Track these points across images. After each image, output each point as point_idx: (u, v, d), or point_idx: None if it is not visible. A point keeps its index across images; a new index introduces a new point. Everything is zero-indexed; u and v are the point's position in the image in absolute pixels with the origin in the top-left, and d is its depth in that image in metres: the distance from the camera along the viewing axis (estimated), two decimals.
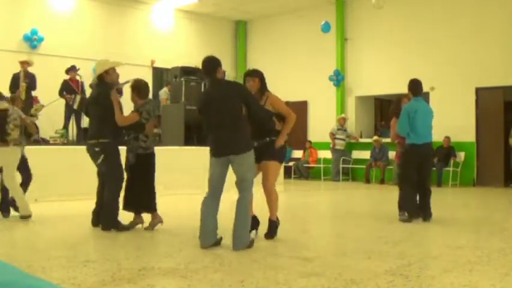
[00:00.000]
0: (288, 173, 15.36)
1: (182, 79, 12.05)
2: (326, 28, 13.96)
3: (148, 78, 15.00)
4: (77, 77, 11.90)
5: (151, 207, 6.40)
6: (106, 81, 6.48)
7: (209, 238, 5.14)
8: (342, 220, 7.88)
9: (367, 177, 14.66)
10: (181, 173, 10.53)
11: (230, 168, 5.25)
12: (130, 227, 6.34)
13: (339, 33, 15.82)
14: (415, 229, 6.63)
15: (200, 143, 10.40)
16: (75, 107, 11.50)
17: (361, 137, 15.80)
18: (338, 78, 15.74)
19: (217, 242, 5.21)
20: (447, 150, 13.50)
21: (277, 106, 5.67)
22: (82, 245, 5.66)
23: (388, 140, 10.98)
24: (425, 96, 11.10)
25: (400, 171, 7.61)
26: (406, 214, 7.23)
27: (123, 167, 6.41)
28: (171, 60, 14.72)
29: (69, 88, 11.75)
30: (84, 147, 6.57)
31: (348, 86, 15.97)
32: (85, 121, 9.24)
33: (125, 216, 6.40)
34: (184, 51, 16.24)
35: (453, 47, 13.75)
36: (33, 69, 11.64)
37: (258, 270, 4.35)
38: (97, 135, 6.37)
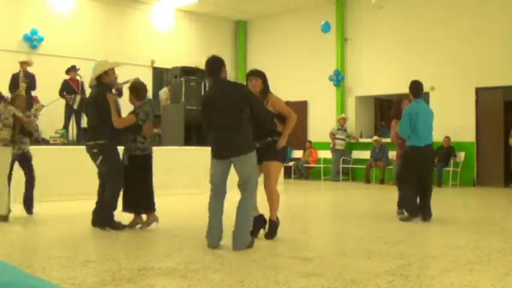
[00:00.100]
0: (288, 173, 15.36)
1: (182, 79, 12.05)
2: (326, 28, 13.95)
3: (148, 78, 15.02)
4: (77, 77, 11.90)
5: (150, 208, 6.40)
6: (104, 82, 6.48)
7: (216, 237, 5.15)
8: (342, 220, 7.88)
9: (367, 177, 14.66)
10: (181, 173, 10.53)
11: (232, 168, 5.25)
12: (127, 226, 6.34)
13: (339, 33, 15.82)
14: (415, 229, 6.64)
15: (200, 143, 10.40)
16: (75, 107, 11.50)
17: (361, 137, 15.81)
18: (338, 78, 15.74)
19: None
20: (447, 150, 13.50)
21: (278, 107, 5.67)
22: (82, 245, 5.65)
23: (388, 140, 10.99)
24: (426, 96, 11.11)
25: (400, 172, 7.61)
26: (405, 213, 7.25)
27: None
28: (171, 60, 14.72)
29: (69, 88, 11.75)
30: (84, 147, 6.58)
31: (348, 86, 15.97)
32: (85, 121, 9.23)
33: (125, 217, 6.41)
34: (184, 51, 16.25)
35: (453, 47, 13.75)
36: (33, 69, 11.64)
37: (258, 270, 4.35)
38: (94, 137, 6.38)
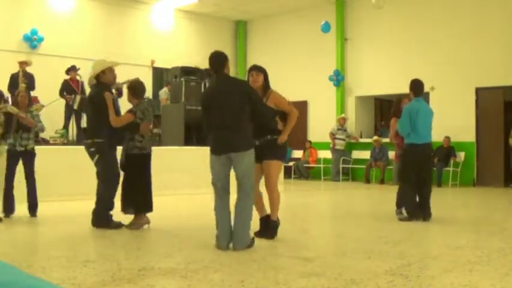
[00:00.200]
0: (288, 173, 15.36)
1: (182, 79, 12.05)
2: (326, 28, 13.95)
3: (148, 78, 15.02)
4: (77, 77, 11.90)
5: (147, 208, 6.38)
6: (103, 81, 6.50)
7: (226, 239, 5.11)
8: (342, 220, 7.88)
9: (367, 177, 14.66)
10: (181, 173, 10.53)
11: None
12: (126, 226, 6.34)
13: (339, 33, 15.82)
14: (415, 229, 6.63)
15: (200, 143, 10.40)
16: (75, 107, 11.50)
17: (361, 137, 15.81)
18: (338, 78, 15.74)
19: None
20: (447, 150, 13.50)
21: (279, 103, 5.67)
22: (82, 245, 5.65)
23: (388, 140, 10.99)
24: (426, 96, 11.11)
25: (400, 171, 7.62)
26: (404, 213, 7.25)
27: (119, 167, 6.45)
28: (171, 60, 14.72)
29: (69, 88, 11.75)
30: (84, 147, 6.59)
31: (348, 86, 15.97)
32: (85, 121, 9.25)
33: (126, 217, 6.41)
34: (184, 51, 16.26)
35: (453, 47, 13.76)
36: (33, 70, 11.64)
37: (258, 270, 4.35)
38: (92, 135, 6.42)
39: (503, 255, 5.01)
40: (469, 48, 13.52)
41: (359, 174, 15.40)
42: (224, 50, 5.60)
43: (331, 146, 15.37)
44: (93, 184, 6.54)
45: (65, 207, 8.30)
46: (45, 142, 10.85)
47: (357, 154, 15.59)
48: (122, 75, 7.98)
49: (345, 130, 15.43)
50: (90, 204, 6.52)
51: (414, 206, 7.23)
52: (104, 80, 6.50)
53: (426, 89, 9.32)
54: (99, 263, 4.60)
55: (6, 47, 13.05)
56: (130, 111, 6.41)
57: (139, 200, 6.33)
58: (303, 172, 16.05)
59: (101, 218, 6.35)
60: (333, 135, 15.34)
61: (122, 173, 6.47)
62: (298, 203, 10.28)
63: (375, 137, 14.76)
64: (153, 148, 6.66)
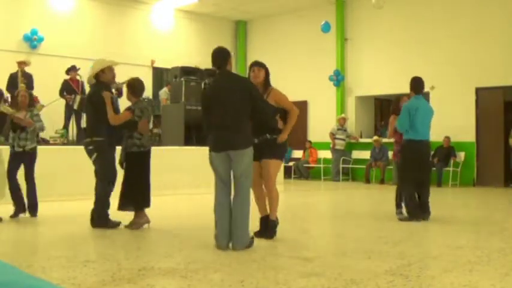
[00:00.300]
0: (288, 173, 15.37)
1: (182, 79, 12.05)
2: (326, 28, 13.96)
3: (148, 78, 15.02)
4: (77, 77, 11.90)
5: (145, 204, 6.38)
6: (102, 81, 6.51)
7: (226, 239, 5.10)
8: (342, 220, 7.88)
9: (367, 177, 14.66)
10: (181, 173, 10.53)
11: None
12: (126, 226, 6.35)
13: (339, 33, 15.82)
14: (415, 229, 6.63)
15: (200, 143, 10.40)
16: (75, 107, 11.50)
17: (361, 137, 15.81)
18: (338, 78, 15.74)
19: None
20: (447, 150, 13.50)
21: (279, 100, 5.67)
22: (82, 245, 5.65)
23: (391, 140, 10.98)
24: (426, 96, 11.10)
25: (400, 171, 7.62)
26: (404, 213, 7.25)
27: (116, 165, 6.46)
28: (171, 60, 14.72)
29: (69, 88, 11.75)
30: (83, 147, 6.61)
31: (348, 86, 15.97)
32: (85, 121, 9.25)
33: (126, 217, 6.41)
34: (184, 51, 16.26)
35: (453, 47, 13.76)
36: (33, 70, 11.64)
37: (258, 270, 4.35)
38: (91, 134, 6.43)
39: (503, 255, 5.01)
40: (469, 48, 13.52)
41: (359, 174, 15.40)
42: None
43: (331, 146, 15.37)
44: (93, 184, 6.55)
45: (65, 207, 8.30)
46: (45, 142, 10.85)
47: (357, 154, 15.59)
48: (122, 75, 7.99)
49: (345, 130, 15.44)
50: (90, 204, 6.52)
51: (414, 205, 7.23)
52: (103, 79, 6.52)
53: (426, 88, 9.34)
54: (99, 263, 4.59)
55: (6, 47, 13.05)
56: (128, 109, 6.41)
57: (139, 198, 6.34)
58: (303, 172, 16.05)
59: (100, 218, 6.36)
60: (333, 135, 15.35)
61: (120, 172, 6.49)
62: (298, 203, 10.28)
63: (375, 137, 14.76)
64: (153, 148, 6.67)
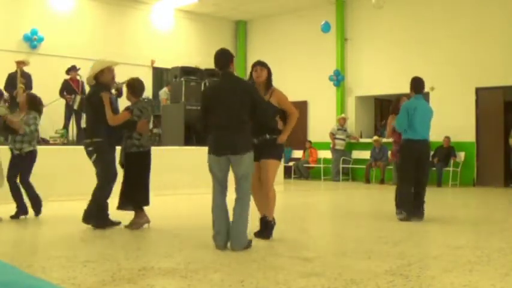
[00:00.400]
0: (288, 173, 15.37)
1: (182, 79, 12.05)
2: (326, 28, 13.96)
3: (148, 78, 15.02)
4: (77, 77, 11.90)
5: (144, 202, 6.39)
6: (101, 81, 6.51)
7: (223, 238, 5.12)
8: (342, 220, 7.88)
9: (367, 177, 14.66)
10: (181, 173, 10.53)
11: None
12: (126, 226, 6.35)
13: (339, 33, 15.82)
14: (415, 229, 6.64)
15: (200, 143, 10.40)
16: (75, 107, 11.51)
17: (361, 137, 15.81)
18: (338, 78, 15.74)
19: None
20: (447, 150, 13.50)
21: (281, 102, 5.68)
22: (82, 245, 5.66)
23: (388, 140, 10.99)
24: (426, 96, 11.10)
25: (399, 170, 7.62)
26: (404, 212, 7.25)
27: (116, 165, 6.46)
28: (171, 60, 14.72)
29: (69, 88, 11.76)
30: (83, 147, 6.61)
31: (348, 86, 15.97)
32: (85, 121, 9.26)
33: (126, 217, 6.41)
34: (184, 51, 16.26)
35: (453, 47, 13.76)
36: (33, 69, 11.64)
37: (258, 270, 4.35)
38: (91, 135, 6.44)
39: (503, 255, 5.01)
40: (469, 48, 13.52)
41: (359, 174, 15.40)
42: None
43: (331, 146, 15.37)
44: (93, 184, 6.54)
45: (65, 207, 8.30)
46: (45, 142, 10.86)
47: (357, 154, 15.59)
48: (122, 75, 7.99)
49: (345, 130, 15.43)
50: None
51: (411, 204, 7.22)
52: (102, 80, 6.52)
53: (426, 88, 9.34)
54: (99, 263, 4.59)
55: (6, 47, 13.04)
56: (127, 109, 6.40)
57: (138, 197, 6.34)
58: (303, 172, 16.04)
59: (99, 219, 6.34)
60: (333, 135, 15.34)
61: (121, 172, 6.49)
62: (298, 203, 10.28)
63: (375, 137, 14.76)
64: (153, 148, 6.66)
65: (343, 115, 15.60)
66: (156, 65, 15.90)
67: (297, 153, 16.44)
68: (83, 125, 11.12)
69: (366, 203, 10.81)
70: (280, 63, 16.37)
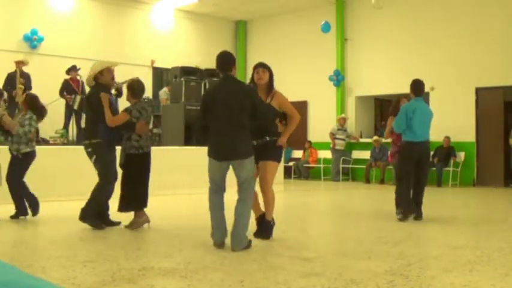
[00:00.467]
0: (288, 173, 15.38)
1: (182, 79, 12.06)
2: (326, 28, 13.96)
3: (148, 78, 15.02)
4: (78, 77, 11.91)
5: (143, 204, 6.39)
6: (100, 82, 6.50)
7: (222, 236, 5.16)
8: (342, 220, 7.88)
9: (367, 177, 14.66)
10: (181, 173, 10.54)
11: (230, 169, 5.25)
12: (126, 226, 6.35)
13: (339, 33, 15.82)
14: (415, 229, 6.64)
15: (200, 143, 10.40)
16: (75, 107, 11.52)
17: (361, 137, 15.81)
18: (338, 78, 15.74)
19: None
20: (447, 150, 13.50)
21: (282, 104, 5.68)
22: (82, 245, 5.66)
23: (388, 140, 10.99)
24: (426, 96, 11.11)
25: (398, 169, 7.62)
26: (402, 213, 7.25)
27: (116, 166, 6.46)
28: (171, 60, 14.73)
29: (69, 88, 11.76)
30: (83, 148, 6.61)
31: (348, 86, 15.97)
32: (84, 121, 9.27)
33: (126, 217, 6.41)
34: (184, 51, 16.26)
35: (453, 47, 13.76)
36: (33, 69, 11.64)
37: (258, 270, 4.35)
38: (90, 136, 6.44)
39: (503, 255, 5.01)
40: (469, 48, 13.52)
41: (359, 174, 15.40)
42: None
43: (331, 146, 15.37)
44: (93, 184, 6.54)
45: (65, 207, 8.29)
46: (45, 142, 10.86)
47: (357, 154, 15.59)
48: (122, 75, 7.99)
49: (345, 130, 15.44)
50: None
51: (409, 204, 7.22)
52: (101, 81, 6.51)
53: (426, 89, 9.33)
54: (99, 263, 4.59)
55: (6, 47, 13.05)
56: (126, 110, 6.40)
57: (139, 199, 6.34)
58: (303, 172, 16.05)
59: (95, 217, 6.35)
60: (333, 135, 15.34)
61: (121, 172, 6.49)
62: (298, 203, 10.28)
63: (375, 137, 14.76)
64: (153, 148, 6.66)
65: (343, 115, 15.60)
66: (156, 65, 15.91)
67: (297, 153, 16.44)
68: (83, 125, 11.13)
69: (366, 203, 10.81)
70: (280, 63, 16.36)
